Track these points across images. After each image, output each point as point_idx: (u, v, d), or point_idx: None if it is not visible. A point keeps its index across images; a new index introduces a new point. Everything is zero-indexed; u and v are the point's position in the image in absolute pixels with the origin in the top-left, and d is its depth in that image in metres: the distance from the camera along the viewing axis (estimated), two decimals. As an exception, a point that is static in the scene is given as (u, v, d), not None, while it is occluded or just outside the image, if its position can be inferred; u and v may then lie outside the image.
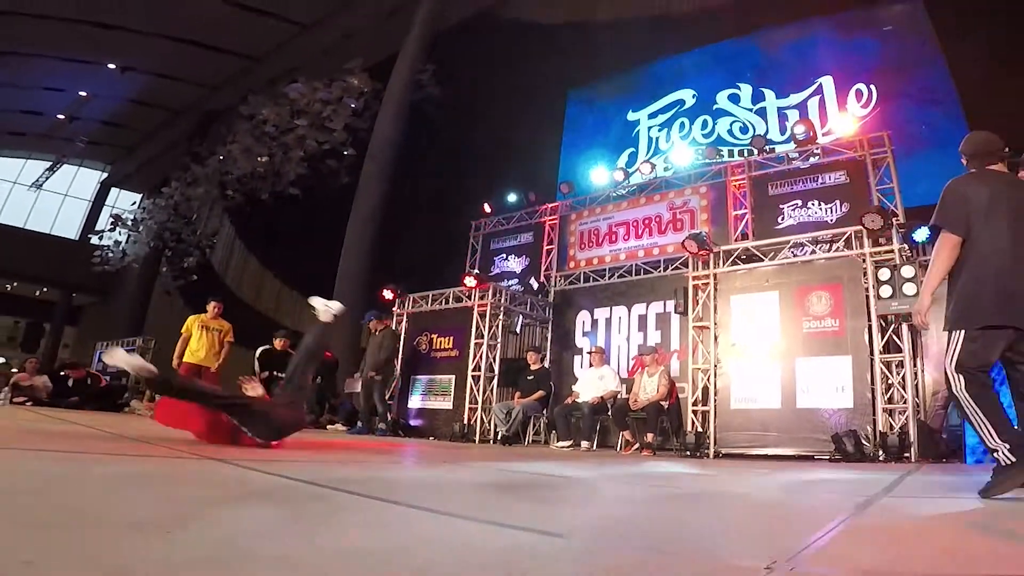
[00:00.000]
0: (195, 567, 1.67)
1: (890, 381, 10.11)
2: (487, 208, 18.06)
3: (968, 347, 4.59)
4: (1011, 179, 5.09)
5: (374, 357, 14.81)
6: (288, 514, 2.77)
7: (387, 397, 15.16)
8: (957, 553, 2.47)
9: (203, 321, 13.18)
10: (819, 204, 13.15)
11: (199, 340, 13.00)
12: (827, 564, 2.13)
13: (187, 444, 5.95)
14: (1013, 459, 4.24)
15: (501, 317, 15.09)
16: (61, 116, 35.93)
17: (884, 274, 10.12)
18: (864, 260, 10.58)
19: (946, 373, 4.72)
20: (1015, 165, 5.58)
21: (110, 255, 34.84)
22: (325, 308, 7.60)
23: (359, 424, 14.90)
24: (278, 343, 15.21)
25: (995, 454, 4.38)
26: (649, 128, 19.51)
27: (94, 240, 38.68)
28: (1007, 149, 5.18)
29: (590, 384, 13.24)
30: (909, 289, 9.73)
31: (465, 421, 14.36)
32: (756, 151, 13.95)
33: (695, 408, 11.69)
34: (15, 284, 44.51)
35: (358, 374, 15.59)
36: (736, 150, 15.95)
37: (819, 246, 11.55)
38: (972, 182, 4.90)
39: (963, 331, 4.62)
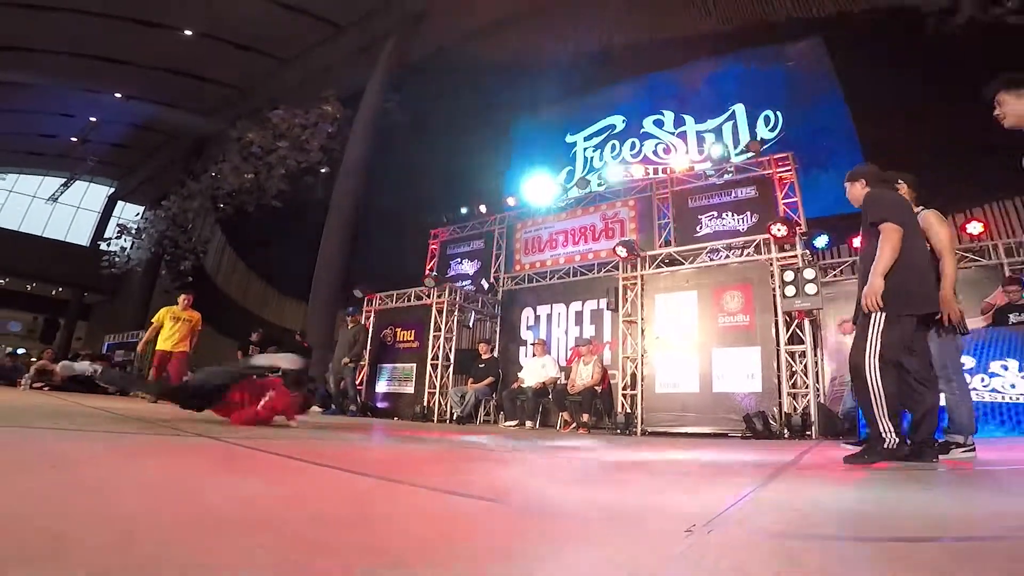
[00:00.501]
0: (188, 525, 1.70)
1: (794, 369, 10.08)
2: (444, 218, 17.84)
3: (890, 333, 4.55)
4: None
5: (347, 348, 14.78)
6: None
7: (356, 383, 15.06)
8: (851, 517, 2.52)
9: (174, 313, 12.79)
10: (732, 215, 13.18)
11: (170, 329, 12.60)
12: (740, 528, 2.12)
13: (183, 423, 5.96)
14: (896, 441, 4.43)
15: (456, 313, 14.94)
16: (74, 139, 35.38)
17: (788, 276, 10.06)
18: (771, 264, 10.55)
19: (865, 356, 4.60)
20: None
21: (116, 259, 34.47)
22: (290, 362, 7.24)
23: (332, 407, 14.70)
24: (254, 336, 15.72)
25: (883, 435, 4.47)
26: (584, 149, 19.32)
27: (103, 246, 37.85)
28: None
29: (533, 371, 13.06)
30: (810, 289, 9.77)
31: (425, 403, 14.27)
32: (753, 153, 13.74)
33: (624, 392, 11.53)
34: (34, 284, 44.28)
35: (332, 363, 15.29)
36: (660, 168, 15.72)
37: (732, 251, 11.48)
38: (893, 192, 5.04)
39: (888, 311, 4.56)
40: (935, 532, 2.16)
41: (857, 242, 11.45)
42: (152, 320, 12.95)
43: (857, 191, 5.14)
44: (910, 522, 2.38)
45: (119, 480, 2.54)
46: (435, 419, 13.98)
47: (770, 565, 1.63)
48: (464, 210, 17.41)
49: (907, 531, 2.17)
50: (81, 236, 43.41)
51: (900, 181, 5.48)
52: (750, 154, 13.41)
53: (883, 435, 4.47)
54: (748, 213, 13.00)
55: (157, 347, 12.62)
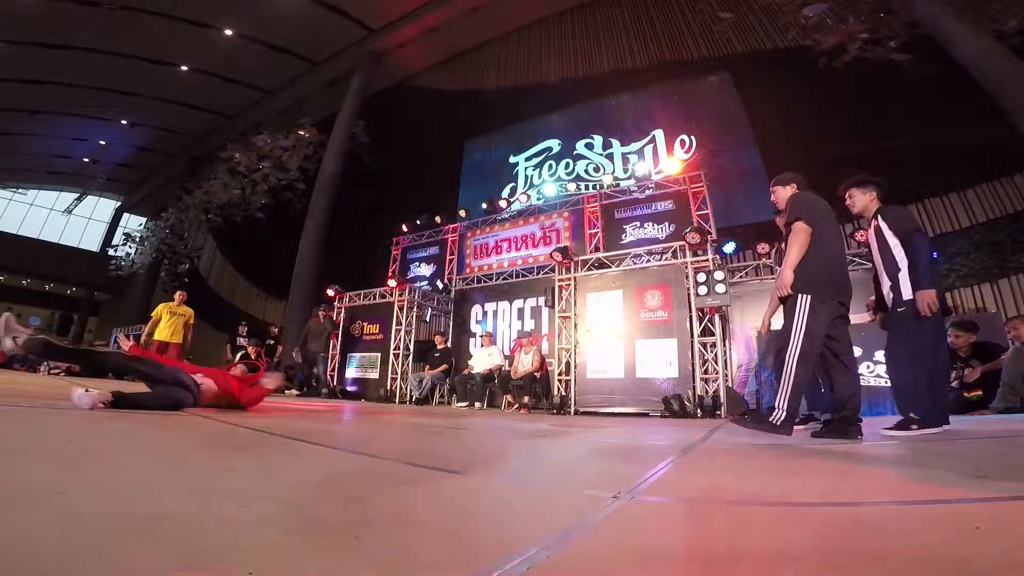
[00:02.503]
0: (183, 493, 1.68)
1: (706, 357, 9.92)
2: (404, 227, 17.52)
3: (811, 318, 4.41)
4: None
5: (320, 339, 14.75)
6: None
7: (329, 369, 15.01)
8: (754, 484, 2.51)
9: (170, 308, 12.53)
10: (653, 225, 13.14)
11: (166, 322, 12.35)
12: (659, 493, 2.12)
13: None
14: (779, 423, 4.31)
15: (415, 309, 14.69)
16: (86, 159, 35.30)
17: (701, 277, 9.96)
18: (686, 267, 10.33)
19: (790, 339, 4.44)
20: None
21: (122, 263, 34.68)
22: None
23: (305, 389, 14.63)
24: (243, 329, 15.84)
25: (776, 410, 4.36)
26: (525, 168, 19.11)
27: (111, 252, 38.42)
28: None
29: (482, 359, 12.89)
30: (720, 288, 9.71)
31: (388, 387, 14.08)
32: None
33: (560, 377, 11.35)
34: (52, 285, 43.91)
35: (297, 349, 14.96)
36: (591, 184, 15.64)
37: (653, 256, 11.23)
38: (810, 195, 4.85)
39: (811, 297, 4.44)
40: (824, 499, 2.16)
41: (762, 248, 11.51)
42: (151, 315, 12.63)
43: (786, 194, 5.05)
44: (804, 490, 2.35)
45: (127, 456, 2.44)
46: (397, 401, 13.83)
47: (684, 525, 1.69)
48: (422, 220, 17.16)
49: (798, 497, 2.18)
50: (92, 243, 43.21)
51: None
52: (668, 172, 13.33)
53: (776, 410, 4.35)
54: (666, 223, 12.97)
55: (155, 337, 12.29)
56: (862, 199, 5.07)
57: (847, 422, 4.37)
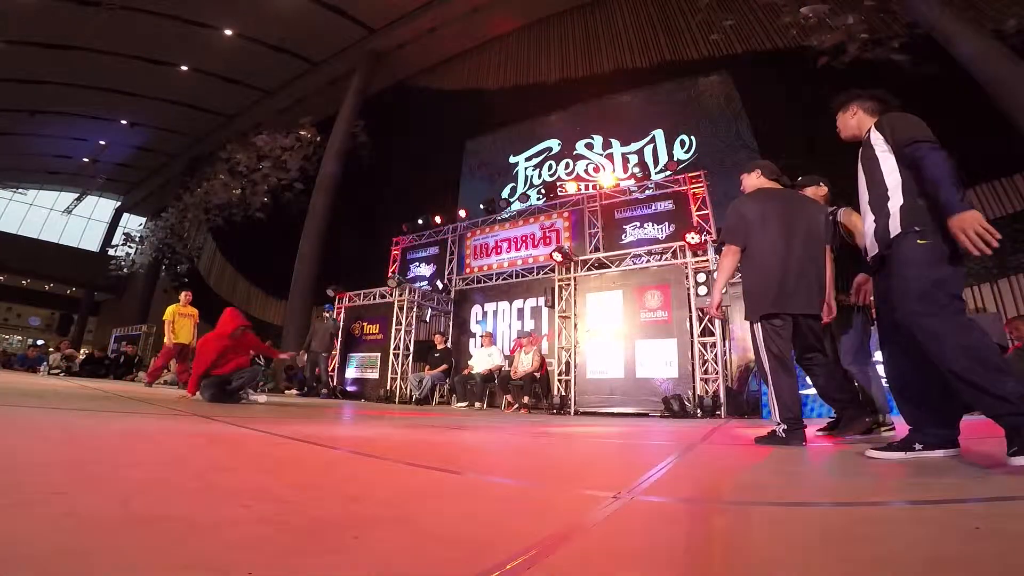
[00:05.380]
0: (183, 491, 1.72)
1: (705, 357, 10.00)
2: (404, 228, 17.55)
3: (766, 334, 4.25)
4: (786, 194, 4.71)
5: (322, 339, 14.91)
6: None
7: (329, 369, 15.15)
8: (753, 485, 2.53)
9: (180, 310, 12.50)
10: (653, 225, 13.22)
11: (181, 324, 12.39)
12: (659, 493, 2.10)
13: (177, 403, 6.27)
14: (784, 436, 4.08)
15: (415, 309, 14.72)
16: (86, 159, 35.16)
17: (701, 278, 10.12)
18: (686, 267, 10.39)
19: (760, 356, 4.34)
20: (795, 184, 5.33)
21: (122, 263, 34.75)
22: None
23: (306, 389, 14.81)
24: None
25: (776, 427, 4.18)
26: (525, 168, 19.03)
27: (111, 252, 38.45)
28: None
29: (482, 360, 12.92)
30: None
31: (388, 388, 14.11)
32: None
33: (560, 377, 11.46)
34: (51, 285, 43.96)
35: (302, 351, 15.05)
36: (591, 184, 15.59)
37: (653, 257, 11.27)
38: (747, 202, 4.58)
39: (755, 322, 4.33)
40: (820, 499, 2.19)
41: None
42: (164, 318, 12.60)
43: (750, 182, 4.85)
44: (801, 490, 2.38)
45: (132, 453, 2.54)
46: (397, 401, 13.82)
47: (684, 525, 1.66)
48: (422, 221, 17.16)
49: (797, 498, 2.18)
50: (92, 243, 43.12)
51: (821, 183, 5.34)
52: (668, 173, 13.36)
53: (775, 427, 4.21)
54: (666, 223, 13.02)
55: (166, 341, 12.45)
56: (853, 120, 3.63)
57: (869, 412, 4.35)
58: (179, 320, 12.36)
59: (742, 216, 4.47)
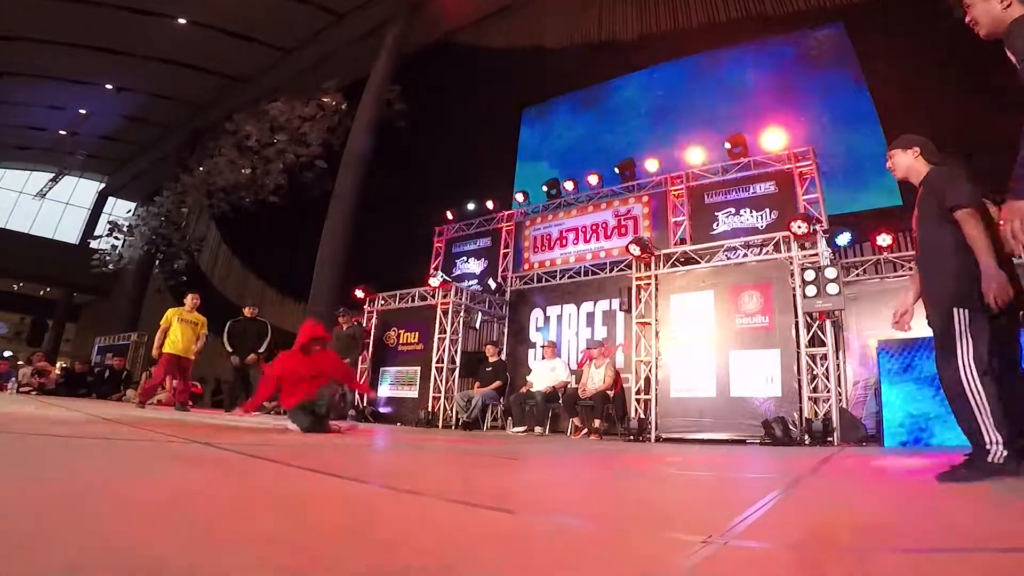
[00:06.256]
0: (189, 542, 1.64)
1: (815, 372, 10.12)
2: (449, 215, 17.95)
3: (976, 329, 4.07)
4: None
5: (346, 350, 14.27)
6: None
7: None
8: (877, 528, 2.42)
9: (181, 315, 12.74)
10: (751, 211, 13.17)
11: (179, 332, 12.54)
12: (758, 538, 2.09)
13: (172, 428, 6.26)
14: (1004, 455, 3.81)
15: (462, 314, 15.05)
16: (63, 132, 35.52)
17: (809, 275, 10.12)
18: (791, 262, 10.55)
19: (958, 362, 4.04)
20: None
21: (107, 258, 34.00)
22: None
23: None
24: (247, 311, 15.41)
25: (987, 446, 3.88)
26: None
27: (93, 244, 37.78)
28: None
29: (543, 375, 13.08)
30: (832, 289, 9.82)
31: (429, 408, 14.40)
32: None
33: (638, 396, 11.64)
34: (21, 284, 44.67)
35: None
36: (675, 162, 15.53)
37: (750, 249, 11.52)
38: (953, 167, 4.50)
39: (968, 310, 4.08)
40: (962, 544, 2.08)
41: (883, 240, 11.40)
42: (160, 322, 12.83)
43: (907, 161, 4.69)
44: (936, 534, 2.30)
45: (131, 489, 2.51)
46: (440, 424, 14.05)
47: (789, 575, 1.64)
48: (471, 206, 17.54)
49: (931, 543, 2.12)
50: (70, 234, 43.53)
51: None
52: (770, 147, 13.22)
53: (987, 447, 3.88)
54: (767, 209, 12.94)
55: (165, 350, 12.51)
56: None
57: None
58: (177, 327, 12.60)
59: (971, 183, 4.32)
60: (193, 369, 13.35)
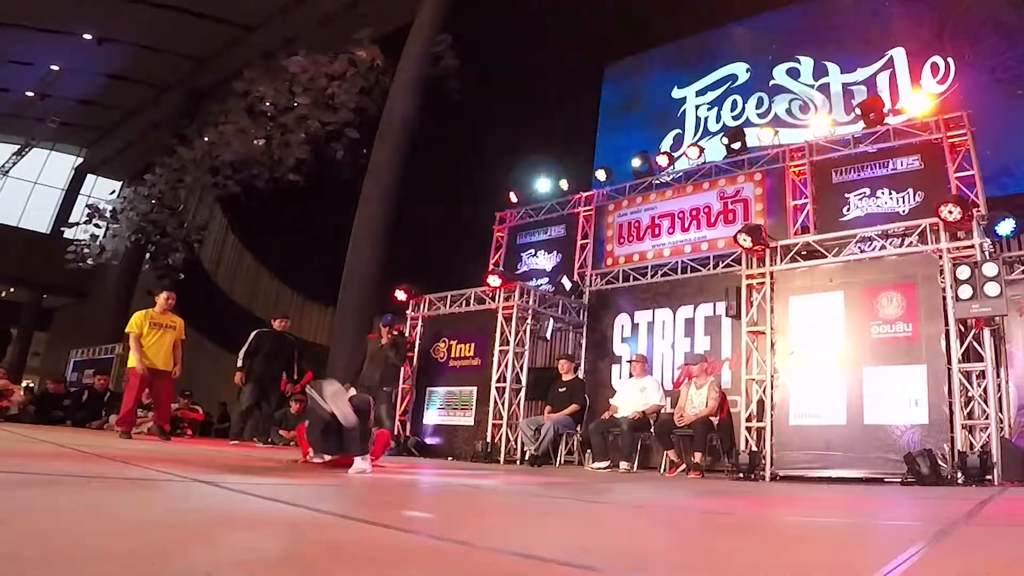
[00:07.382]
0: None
1: (970, 394, 9.98)
2: (513, 198, 18.15)
3: None
4: None
5: (383, 366, 13.73)
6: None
7: (397, 412, 15.38)
8: None
9: (153, 317, 12.57)
10: (890, 193, 13.09)
11: (151, 339, 12.39)
12: None
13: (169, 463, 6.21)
14: None
15: (529, 321, 15.08)
16: (30, 93, 36.03)
17: (963, 272, 9.95)
18: (941, 256, 10.51)
19: None
20: None
21: (86, 251, 33.92)
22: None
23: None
24: (277, 324, 15.43)
25: None
26: (697, 107, 19.35)
27: (68, 234, 38.22)
28: None
29: (630, 397, 13.24)
30: (991, 289, 9.60)
31: (488, 439, 14.32)
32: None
33: (749, 424, 11.70)
34: None
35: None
36: (796, 131, 15.71)
37: (890, 240, 11.46)
38: None
39: None
40: None
41: None
42: (127, 331, 12.67)
43: None
44: None
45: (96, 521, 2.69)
46: (502, 459, 14.02)
47: None
48: (541, 187, 17.71)
49: None
50: (40, 221, 44.10)
51: None
52: (913, 113, 13.22)
53: None
54: (910, 191, 12.85)
55: (131, 364, 12.61)
56: None
57: None
58: (151, 333, 12.48)
59: None
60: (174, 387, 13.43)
